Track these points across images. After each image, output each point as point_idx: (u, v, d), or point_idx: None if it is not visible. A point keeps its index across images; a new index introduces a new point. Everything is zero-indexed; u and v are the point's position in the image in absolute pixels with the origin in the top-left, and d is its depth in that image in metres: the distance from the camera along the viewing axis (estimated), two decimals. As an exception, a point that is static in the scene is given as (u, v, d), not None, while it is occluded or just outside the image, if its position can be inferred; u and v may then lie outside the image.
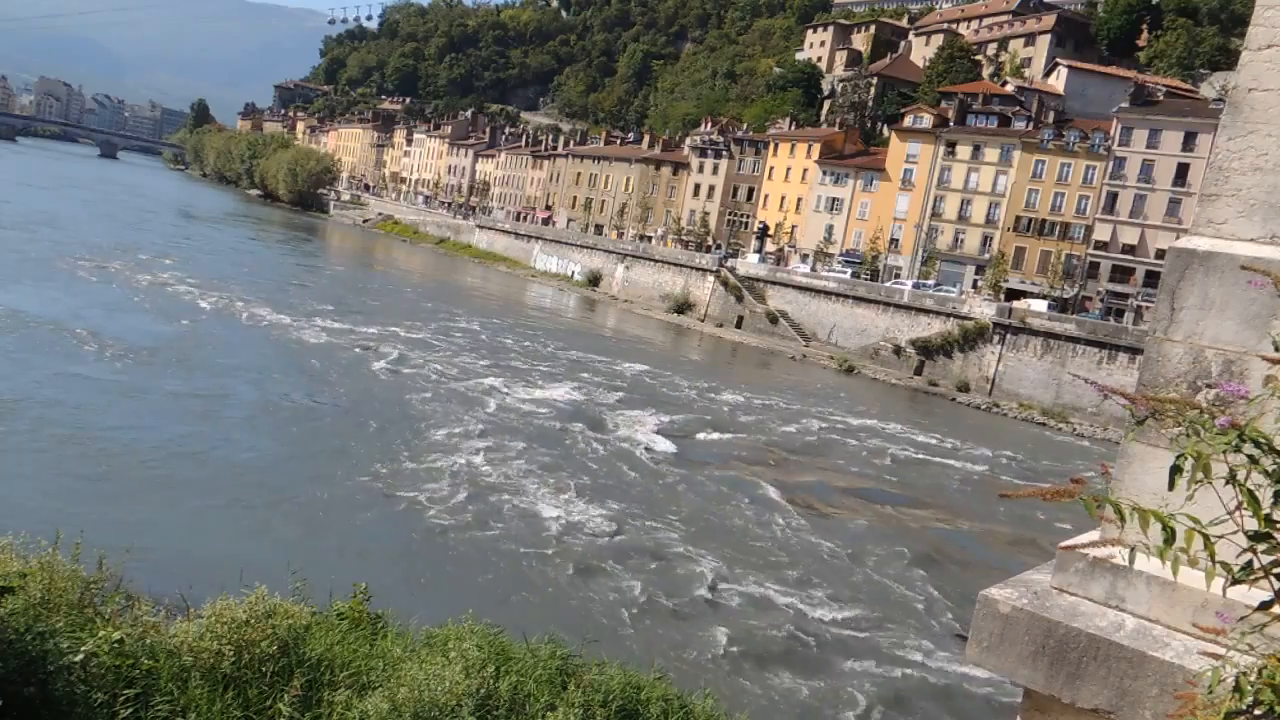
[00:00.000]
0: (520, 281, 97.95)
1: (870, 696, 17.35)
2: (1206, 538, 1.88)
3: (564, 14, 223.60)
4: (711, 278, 79.82)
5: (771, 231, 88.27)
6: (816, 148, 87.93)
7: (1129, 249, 68.30)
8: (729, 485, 30.29)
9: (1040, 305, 63.75)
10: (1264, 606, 1.92)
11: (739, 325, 75.56)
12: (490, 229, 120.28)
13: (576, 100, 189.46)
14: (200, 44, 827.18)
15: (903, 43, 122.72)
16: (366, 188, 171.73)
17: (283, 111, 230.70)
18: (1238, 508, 1.89)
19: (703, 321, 78.20)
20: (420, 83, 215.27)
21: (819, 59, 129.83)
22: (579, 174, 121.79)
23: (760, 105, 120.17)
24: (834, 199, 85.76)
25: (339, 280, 75.66)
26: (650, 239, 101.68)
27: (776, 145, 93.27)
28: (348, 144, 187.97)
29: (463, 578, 19.68)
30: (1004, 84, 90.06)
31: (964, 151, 76.78)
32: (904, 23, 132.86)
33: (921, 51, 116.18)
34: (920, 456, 40.25)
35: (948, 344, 62.41)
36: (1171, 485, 1.94)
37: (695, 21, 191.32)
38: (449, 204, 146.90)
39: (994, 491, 33.45)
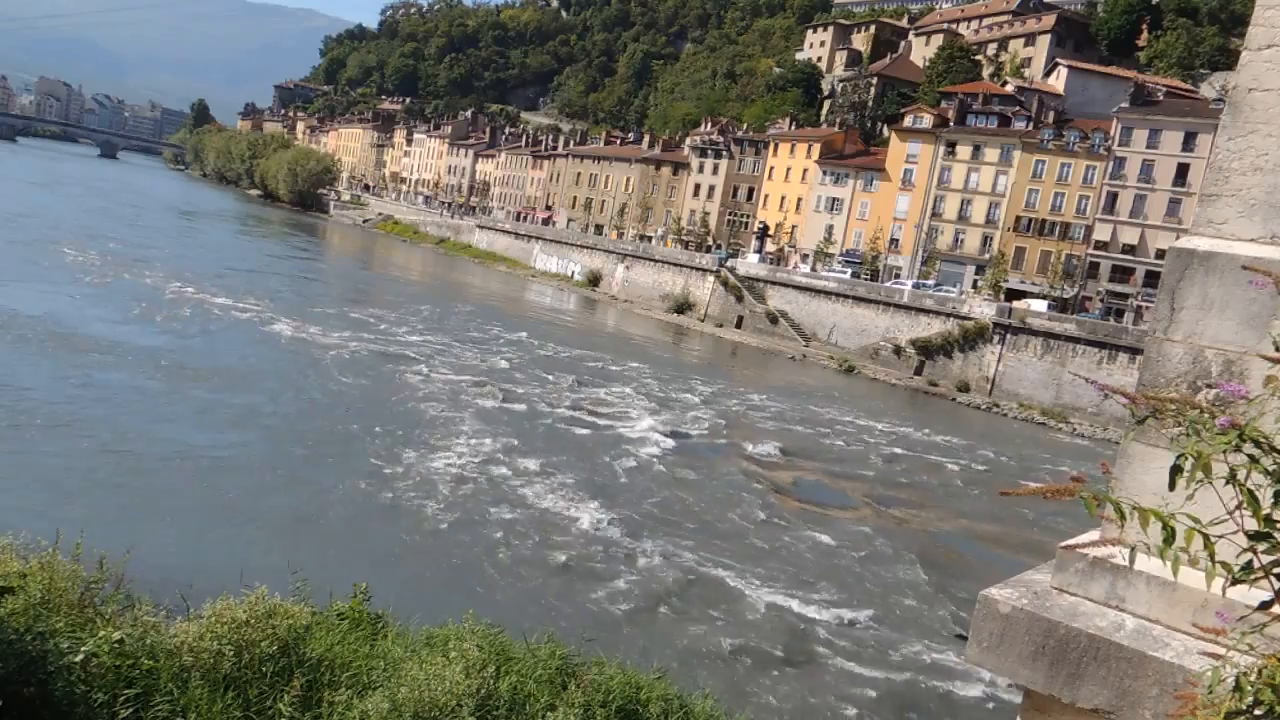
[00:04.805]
0: (520, 281, 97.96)
1: (870, 696, 17.34)
2: (1206, 538, 1.88)
3: (564, 14, 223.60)
4: (711, 278, 79.83)
5: (771, 231, 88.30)
6: (816, 148, 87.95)
7: (1129, 249, 68.31)
8: (728, 484, 30.29)
9: (1040, 305, 63.75)
10: (1264, 606, 1.92)
11: (739, 325, 75.57)
12: (490, 229, 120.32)
13: (576, 100, 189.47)
14: (200, 44, 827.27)
15: (903, 43, 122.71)
16: (366, 188, 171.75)
17: (283, 111, 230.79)
18: (1238, 508, 1.89)
19: (703, 321, 78.21)
20: (420, 83, 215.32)
21: (819, 59, 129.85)
22: (579, 174, 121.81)
23: (760, 105, 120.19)
24: (834, 199, 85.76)
25: (338, 280, 75.69)
26: (650, 239, 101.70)
27: (776, 145, 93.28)
28: (348, 144, 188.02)
29: (463, 578, 19.68)
30: (1004, 84, 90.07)
31: (964, 151, 76.78)
32: (904, 23, 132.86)
33: (921, 51, 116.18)
34: (920, 456, 40.25)
35: (948, 344, 62.42)
36: (1172, 485, 1.94)
37: (695, 21, 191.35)
38: (449, 204, 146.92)
39: (994, 491, 33.46)
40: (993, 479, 37.95)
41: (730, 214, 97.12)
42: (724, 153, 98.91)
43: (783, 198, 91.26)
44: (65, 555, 6.87)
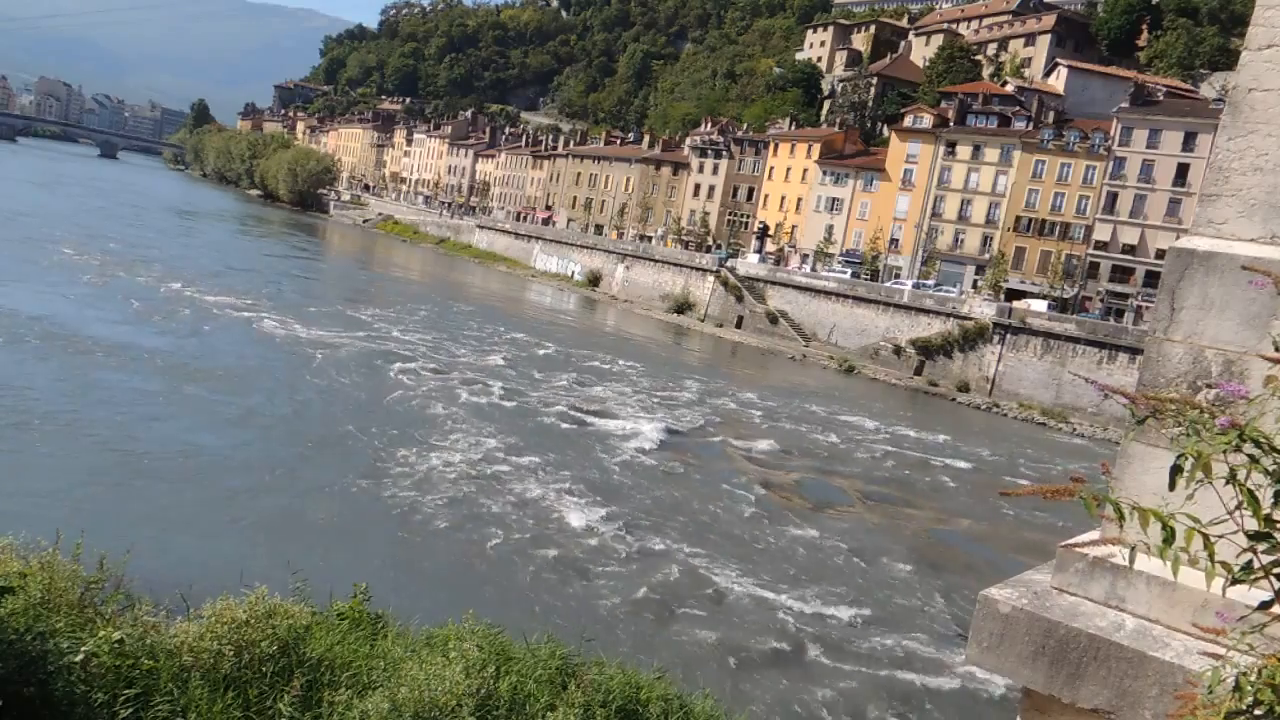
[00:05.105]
0: (520, 281, 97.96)
1: (870, 696, 17.34)
2: (1206, 538, 1.88)
3: (564, 14, 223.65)
4: (711, 278, 79.84)
5: (771, 231, 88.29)
6: (816, 148, 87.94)
7: (1129, 249, 68.31)
8: (728, 485, 30.29)
9: (1040, 305, 63.75)
10: (1264, 606, 1.92)
11: (739, 325, 75.56)
12: (490, 229, 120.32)
13: (576, 100, 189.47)
14: (200, 44, 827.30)
15: (903, 43, 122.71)
16: (366, 188, 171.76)
17: (283, 111, 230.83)
18: (1238, 507, 1.89)
19: (703, 321, 78.21)
20: (420, 83, 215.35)
21: (819, 59, 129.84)
22: (579, 174, 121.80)
23: (760, 105, 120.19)
24: (834, 199, 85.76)
25: (338, 280, 75.68)
26: (650, 239, 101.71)
27: (776, 145, 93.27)
28: (348, 144, 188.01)
29: (463, 578, 19.68)
30: (1004, 84, 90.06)
31: (964, 151, 76.78)
32: (904, 23, 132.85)
33: (921, 51, 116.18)
34: (920, 456, 40.24)
35: (948, 344, 62.42)
36: (1172, 485, 1.94)
37: (695, 21, 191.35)
38: (449, 204, 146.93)
39: (994, 491, 33.46)
40: (992, 479, 37.96)
41: (730, 214, 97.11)
42: (724, 153, 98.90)
43: (783, 198, 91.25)
44: (65, 555, 6.86)
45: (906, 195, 79.70)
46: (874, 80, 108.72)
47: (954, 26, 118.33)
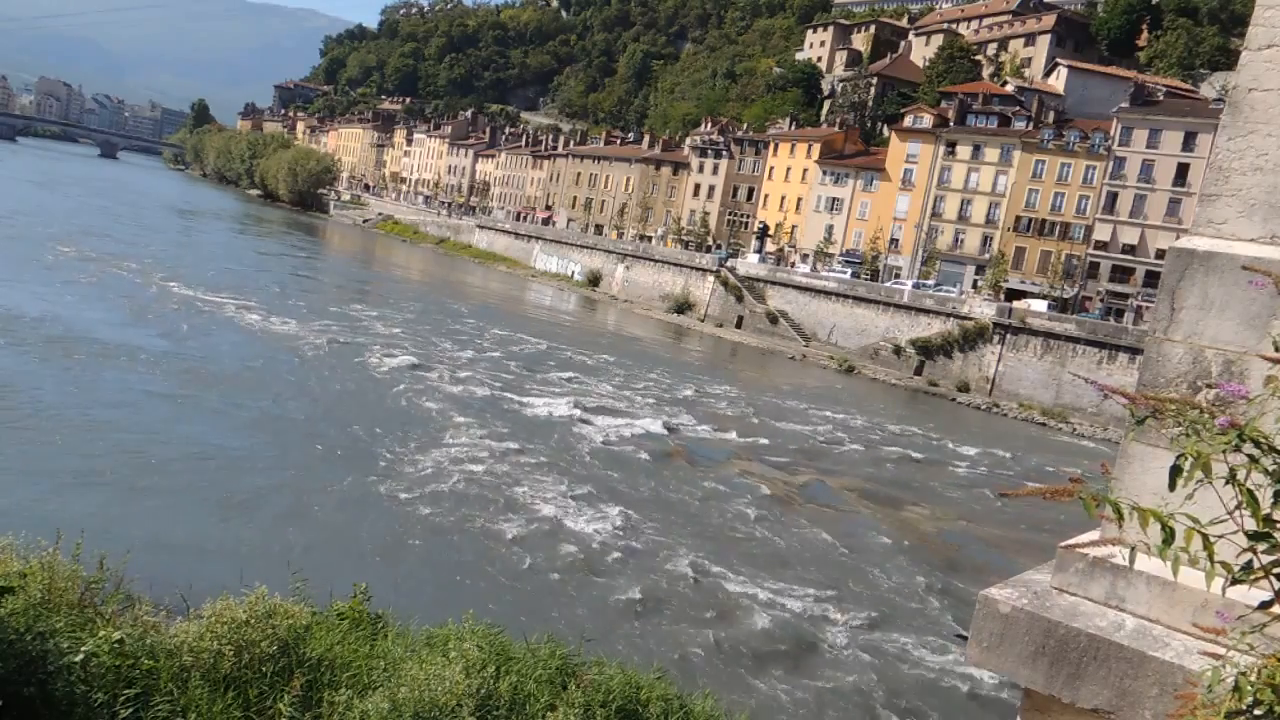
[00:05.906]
0: (520, 281, 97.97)
1: (870, 696, 17.34)
2: (1206, 538, 1.88)
3: (564, 14, 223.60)
4: (711, 278, 79.85)
5: (771, 231, 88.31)
6: (816, 148, 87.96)
7: (1129, 249, 68.32)
8: (728, 485, 30.29)
9: (1040, 305, 63.77)
10: (1264, 606, 1.92)
11: (739, 325, 75.57)
12: (490, 229, 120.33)
13: (576, 100, 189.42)
14: (200, 44, 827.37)
15: (903, 43, 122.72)
16: (366, 188, 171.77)
17: (283, 111, 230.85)
18: (1237, 507, 1.89)
19: (703, 321, 78.22)
20: (420, 83, 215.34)
21: (819, 59, 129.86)
22: (579, 174, 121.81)
23: (760, 105, 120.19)
24: (834, 199, 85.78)
25: (338, 281, 75.64)
26: (650, 239, 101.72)
27: (776, 145, 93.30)
28: (348, 144, 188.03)
29: (463, 578, 19.68)
30: (1004, 84, 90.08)
31: (964, 151, 76.79)
32: (904, 23, 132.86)
33: (921, 51, 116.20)
34: (920, 456, 40.24)
35: (948, 344, 62.42)
36: (1172, 485, 1.94)
37: (695, 21, 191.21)
38: (449, 204, 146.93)
39: (993, 491, 33.47)
40: (992, 479, 37.95)
41: (730, 214, 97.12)
42: (724, 153, 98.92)
43: (783, 198, 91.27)
44: (65, 555, 6.86)
45: (906, 195, 79.71)
46: (874, 80, 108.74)
47: (954, 26, 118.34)
